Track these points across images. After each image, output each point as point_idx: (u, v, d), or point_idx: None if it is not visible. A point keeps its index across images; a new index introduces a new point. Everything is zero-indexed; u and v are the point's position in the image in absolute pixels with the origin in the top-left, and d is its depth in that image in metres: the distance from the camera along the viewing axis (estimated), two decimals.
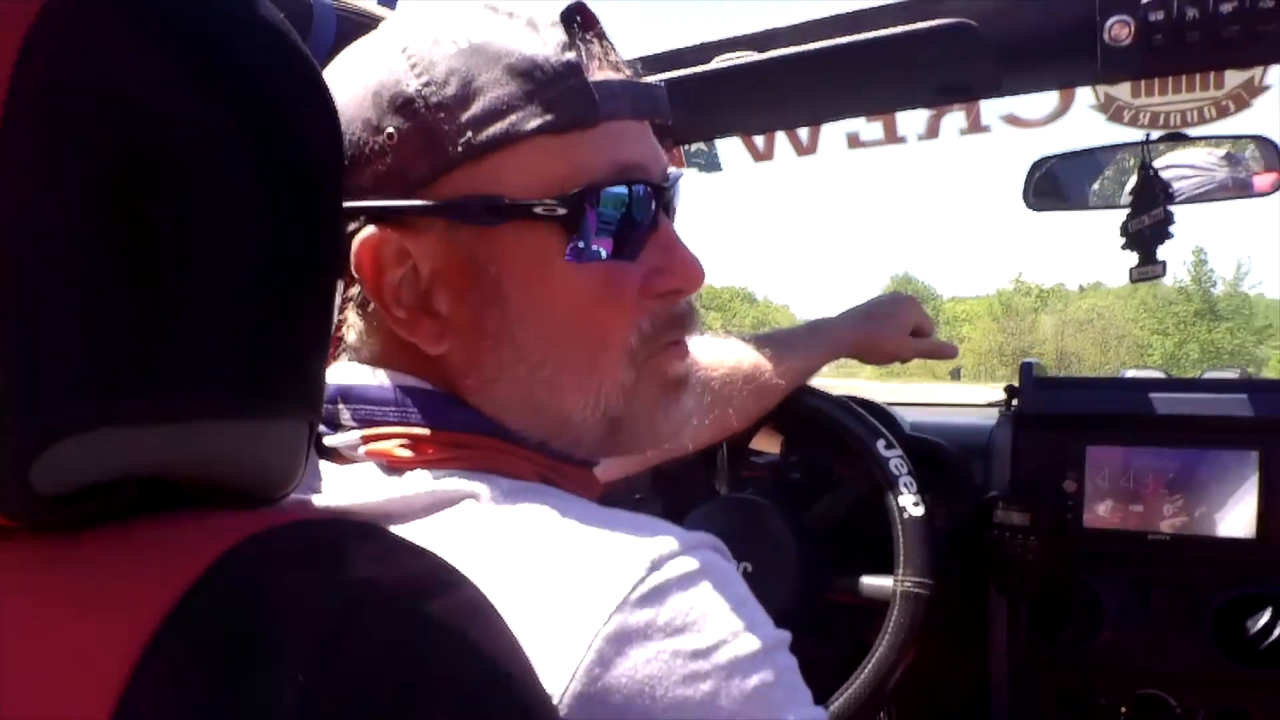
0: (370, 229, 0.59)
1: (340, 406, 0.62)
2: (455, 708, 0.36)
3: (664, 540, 0.52)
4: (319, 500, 0.58)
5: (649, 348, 0.63)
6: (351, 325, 0.64)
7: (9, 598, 0.36)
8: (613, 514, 0.56)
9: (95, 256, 0.36)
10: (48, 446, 0.36)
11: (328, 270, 0.46)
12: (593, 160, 0.59)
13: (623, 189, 0.60)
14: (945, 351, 1.40)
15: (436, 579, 0.40)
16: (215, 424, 0.40)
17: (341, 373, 0.63)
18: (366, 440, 0.60)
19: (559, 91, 0.58)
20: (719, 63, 1.22)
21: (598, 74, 0.60)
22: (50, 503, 0.37)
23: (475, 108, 0.57)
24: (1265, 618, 1.20)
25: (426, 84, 0.58)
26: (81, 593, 0.36)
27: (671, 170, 0.65)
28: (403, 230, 0.59)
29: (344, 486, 0.59)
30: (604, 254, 0.60)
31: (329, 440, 0.61)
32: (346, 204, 0.58)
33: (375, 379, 0.62)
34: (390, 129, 0.58)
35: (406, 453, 0.59)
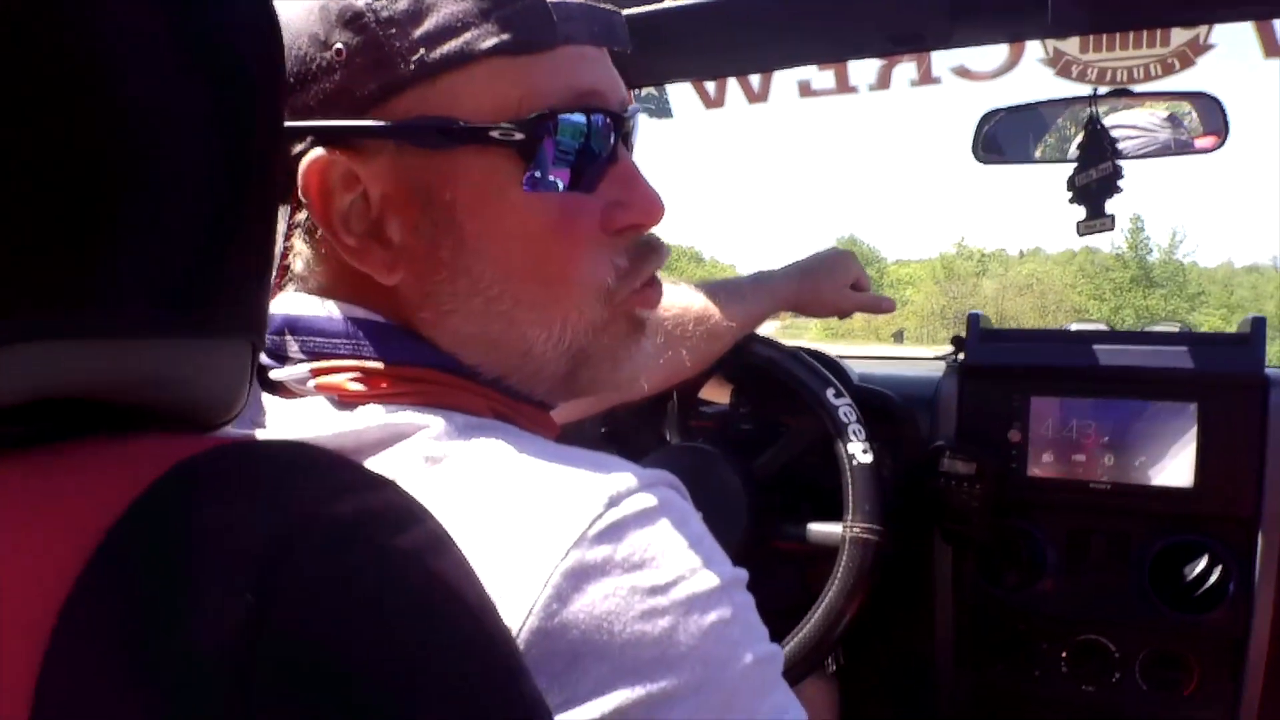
0: (318, 151, 0.56)
1: (288, 338, 0.59)
2: (406, 640, 0.34)
3: (622, 477, 0.52)
4: (264, 434, 0.56)
5: (626, 285, 0.62)
6: (299, 253, 0.61)
7: None
8: (570, 451, 0.55)
9: (22, 163, 0.34)
10: None
11: (267, 186, 0.44)
12: (550, 85, 0.57)
13: (580, 117, 0.58)
14: (883, 305, 1.40)
15: (395, 510, 0.38)
16: (151, 342, 0.38)
17: (289, 303, 0.61)
18: (316, 374, 0.58)
19: (516, 10, 0.56)
20: (671, 2, 1.19)
21: None
22: None
23: (428, 24, 0.55)
24: (1200, 565, 1.23)
25: None
26: (9, 519, 0.34)
27: (632, 105, 0.63)
28: (352, 153, 0.57)
29: (291, 421, 0.57)
30: (561, 185, 0.58)
31: (275, 374, 0.59)
32: (291, 123, 0.56)
33: (324, 310, 0.60)
34: (338, 44, 0.55)
35: (358, 386, 0.57)
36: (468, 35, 0.55)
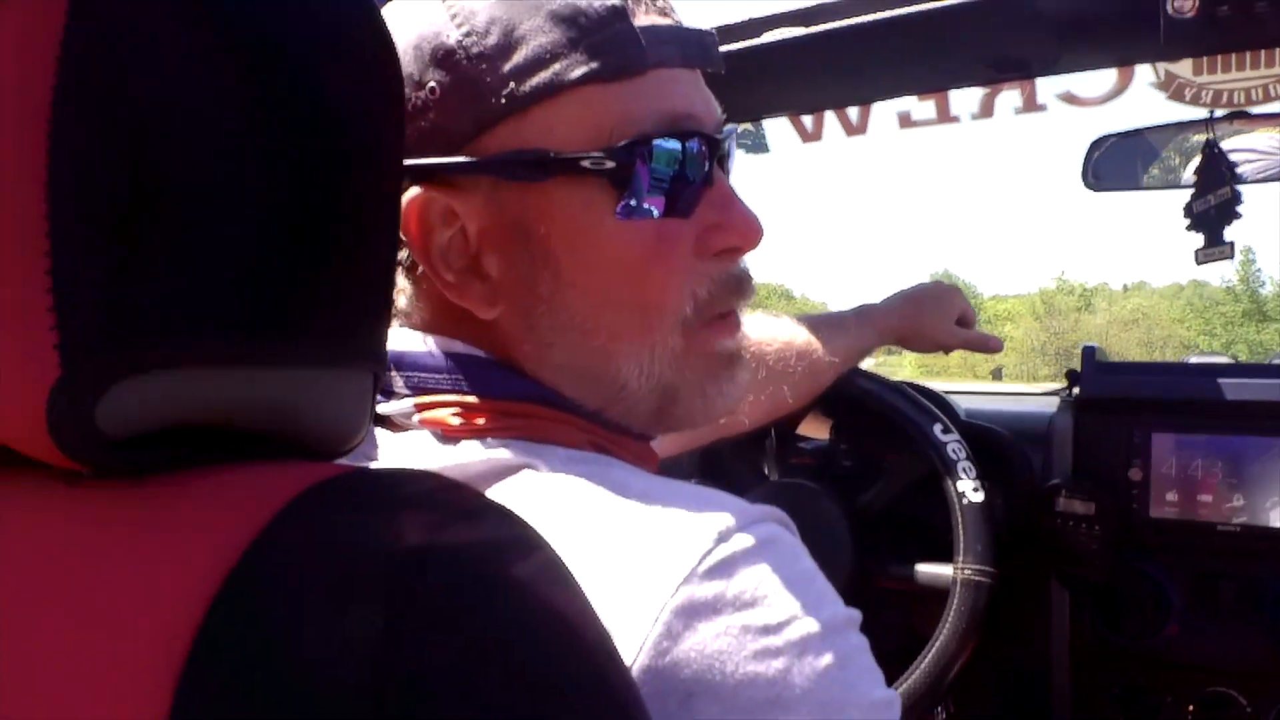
0: (415, 189, 0.57)
1: (393, 374, 0.60)
2: (531, 670, 0.34)
3: (730, 513, 0.50)
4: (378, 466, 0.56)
5: (702, 315, 0.60)
6: (401, 290, 0.62)
7: (74, 546, 0.35)
8: (677, 485, 0.54)
9: (143, 207, 0.35)
10: (111, 385, 0.35)
11: (390, 222, 0.45)
12: (642, 111, 0.56)
13: (674, 143, 0.57)
14: (990, 345, 1.36)
15: (517, 538, 0.38)
16: (281, 371, 0.39)
17: (393, 339, 0.61)
18: (420, 408, 0.58)
19: (604, 37, 0.55)
20: (767, 38, 1.19)
21: (644, 19, 0.57)
22: (117, 446, 0.36)
23: (518, 57, 0.55)
24: None
25: (467, 34, 0.55)
26: (148, 542, 0.35)
27: (727, 124, 0.62)
28: (449, 190, 0.57)
29: (397, 454, 0.58)
30: (656, 212, 0.57)
31: (382, 408, 0.59)
32: None
33: (426, 345, 0.60)
34: (432, 83, 0.56)
35: (459, 421, 0.57)
36: (557, 66, 0.55)
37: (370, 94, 0.42)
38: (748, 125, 1.50)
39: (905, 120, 1.42)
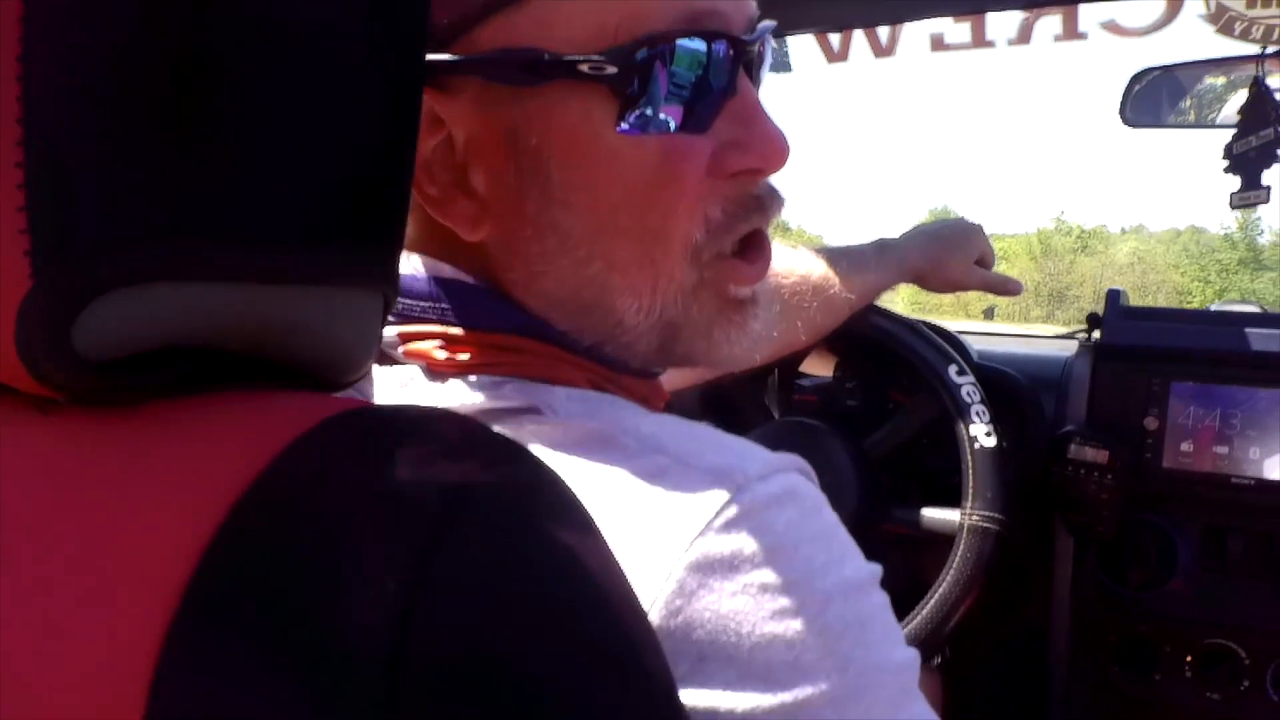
0: None
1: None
2: (559, 625, 0.31)
3: (749, 460, 0.47)
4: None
5: (717, 243, 0.54)
6: None
7: (52, 477, 0.31)
8: (688, 427, 0.50)
9: (151, 79, 0.30)
10: (93, 299, 0.30)
11: (406, 127, 0.40)
12: (656, 5, 0.49)
13: (696, 43, 0.49)
14: (1010, 287, 1.31)
15: (544, 483, 0.35)
16: (284, 289, 0.35)
17: None
18: (404, 339, 0.53)
19: None
20: None
21: None
22: (96, 370, 0.31)
23: None
24: None
25: None
26: (136, 476, 0.31)
27: (762, 23, 0.54)
28: (435, 92, 0.51)
29: (389, 391, 0.53)
30: (672, 124, 0.50)
31: None
32: None
33: (410, 267, 0.54)
34: None
35: (444, 355, 0.52)
36: None
37: None
38: (772, 41, 1.44)
39: (938, 43, 1.35)
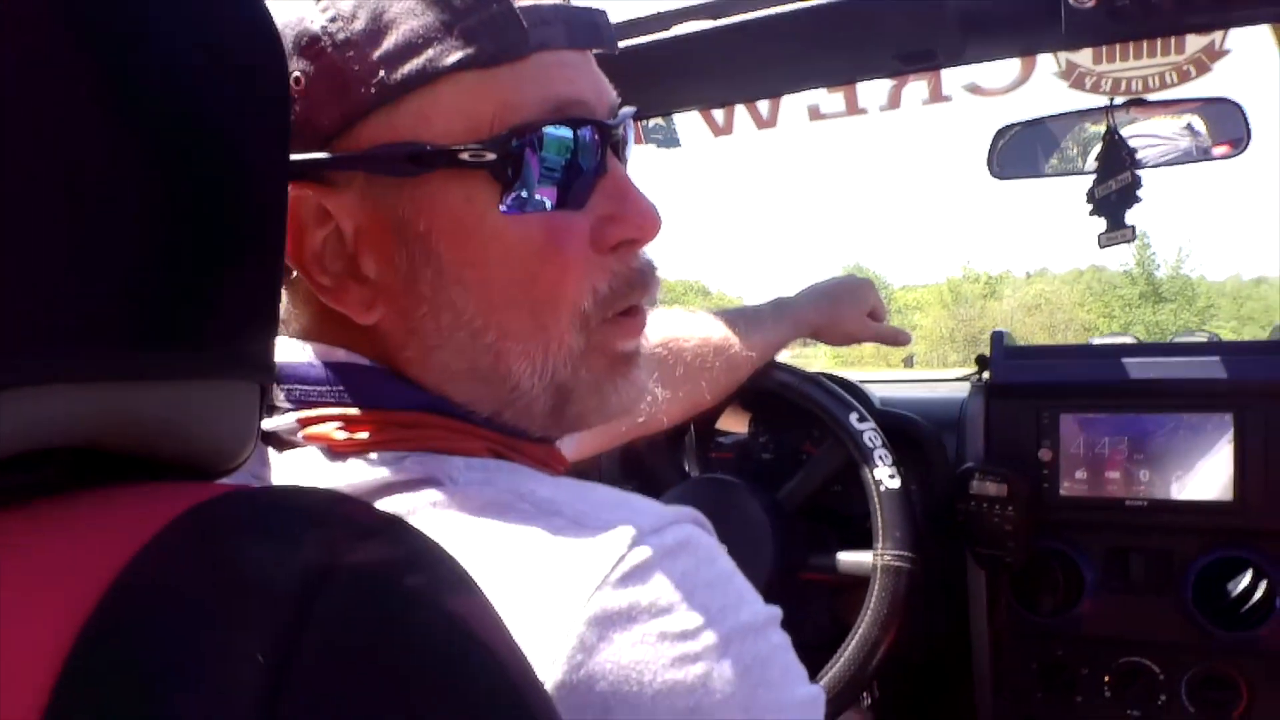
0: None
1: (275, 387, 0.56)
2: (439, 694, 0.32)
3: (643, 515, 0.49)
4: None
5: (602, 312, 0.57)
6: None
7: None
8: (585, 488, 0.52)
9: (41, 191, 0.32)
10: None
11: (276, 225, 0.42)
12: (525, 97, 0.52)
13: (563, 130, 0.53)
14: (900, 338, 1.39)
15: (418, 553, 0.36)
16: (156, 385, 0.36)
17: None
18: (303, 423, 0.55)
19: (481, 19, 0.51)
20: (675, 31, 1.18)
21: None
22: None
23: (387, 43, 0.51)
24: (1245, 580, 1.19)
25: (332, 19, 0.51)
26: (14, 571, 0.31)
27: (623, 108, 0.59)
28: (321, 187, 0.53)
29: (288, 473, 0.55)
30: (547, 204, 0.54)
31: (265, 424, 0.56)
32: None
33: (306, 355, 0.56)
34: (296, 73, 0.52)
35: (344, 435, 0.53)
36: (430, 52, 0.51)
37: (250, 91, 0.39)
38: (659, 120, 1.50)
39: (815, 113, 1.42)
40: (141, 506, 0.34)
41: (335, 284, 0.55)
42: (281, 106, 0.41)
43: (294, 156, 0.52)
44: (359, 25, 0.51)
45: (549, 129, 0.53)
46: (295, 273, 0.55)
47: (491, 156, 0.52)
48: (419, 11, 0.51)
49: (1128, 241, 1.34)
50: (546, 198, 0.54)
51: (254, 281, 0.40)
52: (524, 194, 0.53)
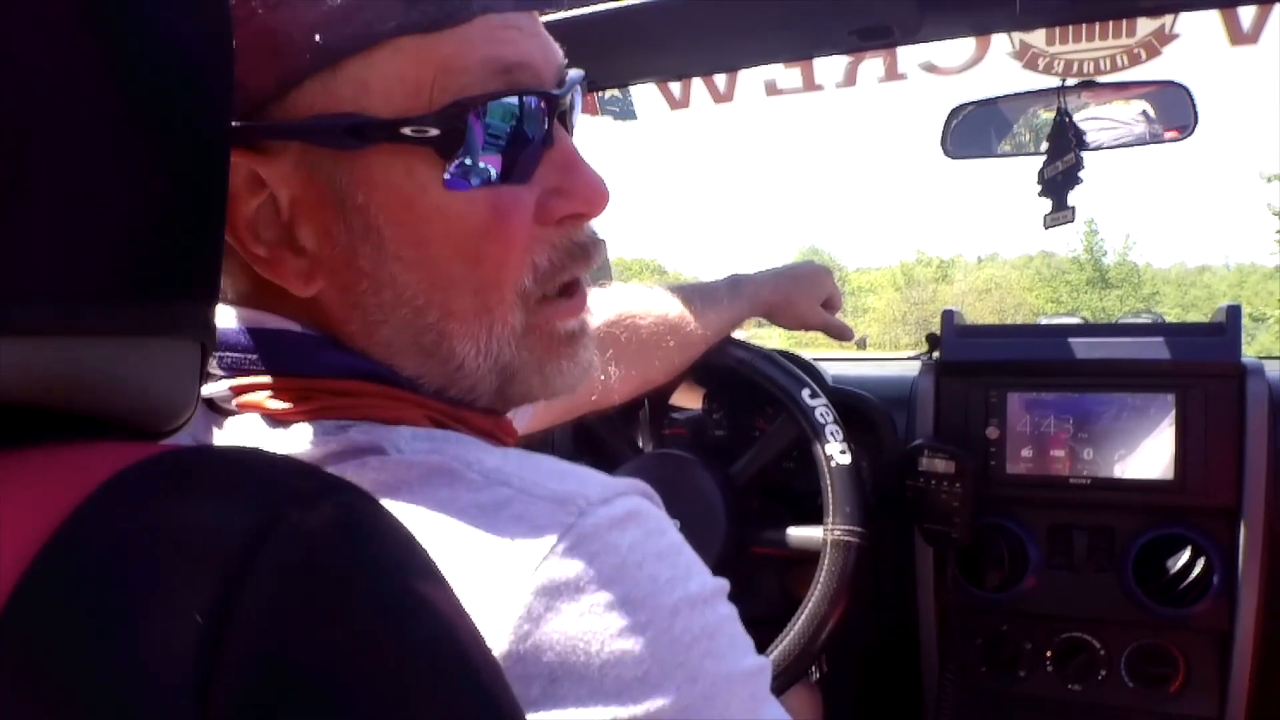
0: None
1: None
2: (382, 659, 0.31)
3: (591, 486, 0.48)
4: None
5: (541, 287, 0.56)
6: None
7: None
8: (533, 459, 0.51)
9: None
10: None
11: (219, 180, 0.41)
12: (467, 62, 0.50)
13: (511, 99, 0.51)
14: (845, 334, 1.39)
15: (364, 515, 0.35)
16: (96, 341, 0.35)
17: None
18: (236, 390, 0.53)
19: None
20: (632, 1, 1.17)
21: None
22: None
23: (324, 5, 0.48)
24: (1184, 558, 1.22)
25: None
26: None
27: (570, 72, 0.57)
28: (254, 155, 0.51)
29: (228, 439, 0.54)
30: (492, 175, 0.52)
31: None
32: None
33: (240, 320, 0.55)
34: None
35: (279, 404, 0.52)
36: (368, 14, 0.49)
37: (192, 50, 0.38)
38: (615, 91, 1.49)
39: (772, 88, 1.42)
40: (80, 464, 0.33)
41: (271, 254, 0.53)
42: (224, 64, 0.40)
43: None
44: None
45: (498, 99, 0.51)
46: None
47: (435, 131, 0.50)
48: None
49: (1068, 222, 1.36)
50: (490, 168, 0.52)
51: (194, 239, 0.39)
52: (468, 168, 0.51)
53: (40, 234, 0.33)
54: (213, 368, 0.54)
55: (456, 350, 0.54)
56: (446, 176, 0.51)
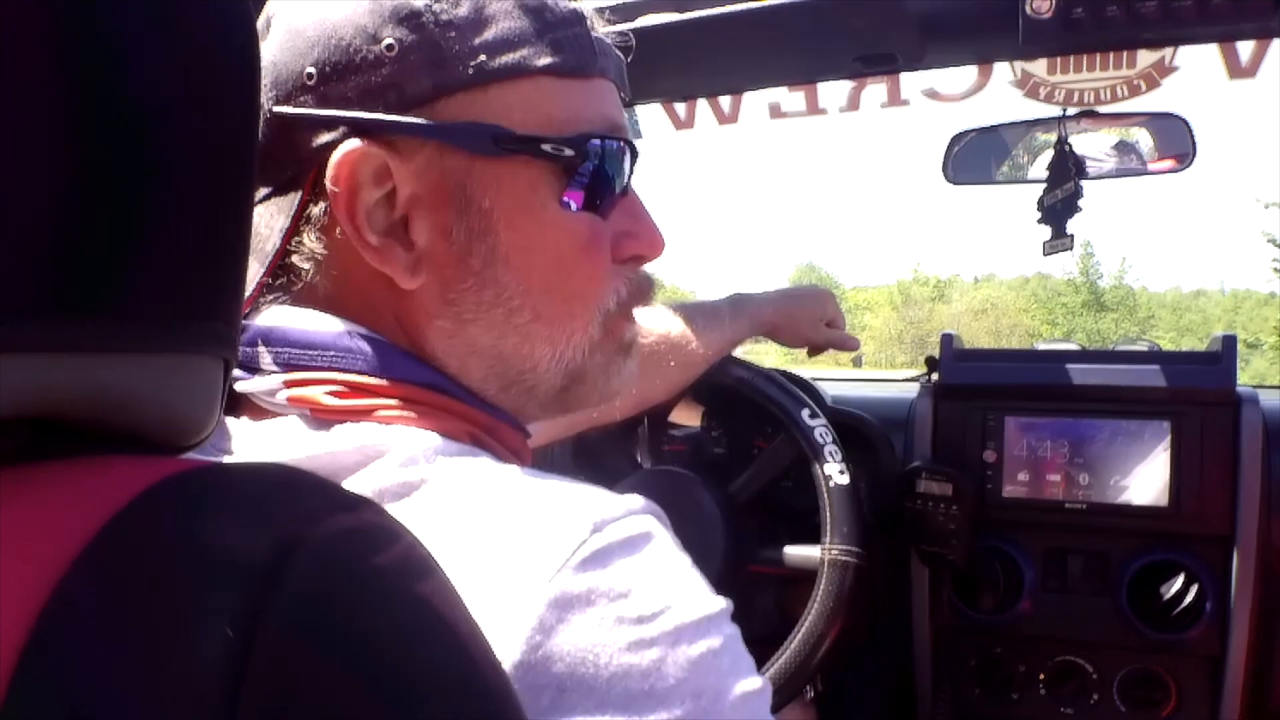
0: (354, 142, 0.55)
1: (260, 349, 0.57)
2: (397, 668, 0.32)
3: (604, 504, 0.50)
4: (233, 458, 0.53)
5: (621, 311, 0.63)
6: (309, 251, 0.58)
7: None
8: (549, 478, 0.53)
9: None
10: None
11: (239, 193, 0.41)
12: (589, 111, 0.59)
13: (615, 145, 0.60)
14: (849, 344, 1.43)
15: (378, 529, 0.36)
16: (117, 357, 0.35)
17: (266, 315, 0.58)
18: (289, 385, 0.55)
19: (567, 35, 0.58)
20: (641, 22, 1.19)
21: (595, 30, 0.61)
22: None
23: (488, 34, 0.56)
24: (1177, 584, 1.23)
25: (436, 0, 0.56)
26: None
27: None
28: (388, 149, 0.56)
29: (262, 443, 0.55)
30: (597, 203, 0.60)
31: (243, 385, 0.56)
32: (329, 112, 0.55)
33: (302, 320, 0.57)
34: (390, 40, 0.55)
35: (333, 401, 0.54)
36: (524, 50, 0.56)
37: (216, 70, 0.39)
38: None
39: (775, 111, 1.44)
40: (104, 480, 0.33)
41: (382, 245, 0.56)
42: (250, 92, 0.41)
43: (381, 116, 0.55)
44: (462, 12, 0.56)
45: (609, 141, 0.59)
46: (339, 230, 0.57)
47: (569, 153, 0.57)
48: (516, 15, 0.57)
49: (1067, 250, 1.38)
50: (598, 199, 0.60)
51: (218, 256, 0.40)
52: (582, 192, 0.59)
53: (52, 249, 0.33)
54: (266, 364, 0.57)
55: (535, 351, 0.60)
56: (564, 196, 0.59)
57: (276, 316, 0.58)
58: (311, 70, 0.56)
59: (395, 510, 0.48)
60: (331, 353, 0.56)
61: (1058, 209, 1.37)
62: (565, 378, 0.62)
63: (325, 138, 0.56)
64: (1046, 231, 1.40)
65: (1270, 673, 1.26)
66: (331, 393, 0.55)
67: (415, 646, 0.33)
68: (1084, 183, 1.39)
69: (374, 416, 0.54)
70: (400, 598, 0.34)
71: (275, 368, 0.56)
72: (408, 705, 0.31)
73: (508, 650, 0.44)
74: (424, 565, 0.37)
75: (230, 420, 0.57)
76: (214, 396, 0.41)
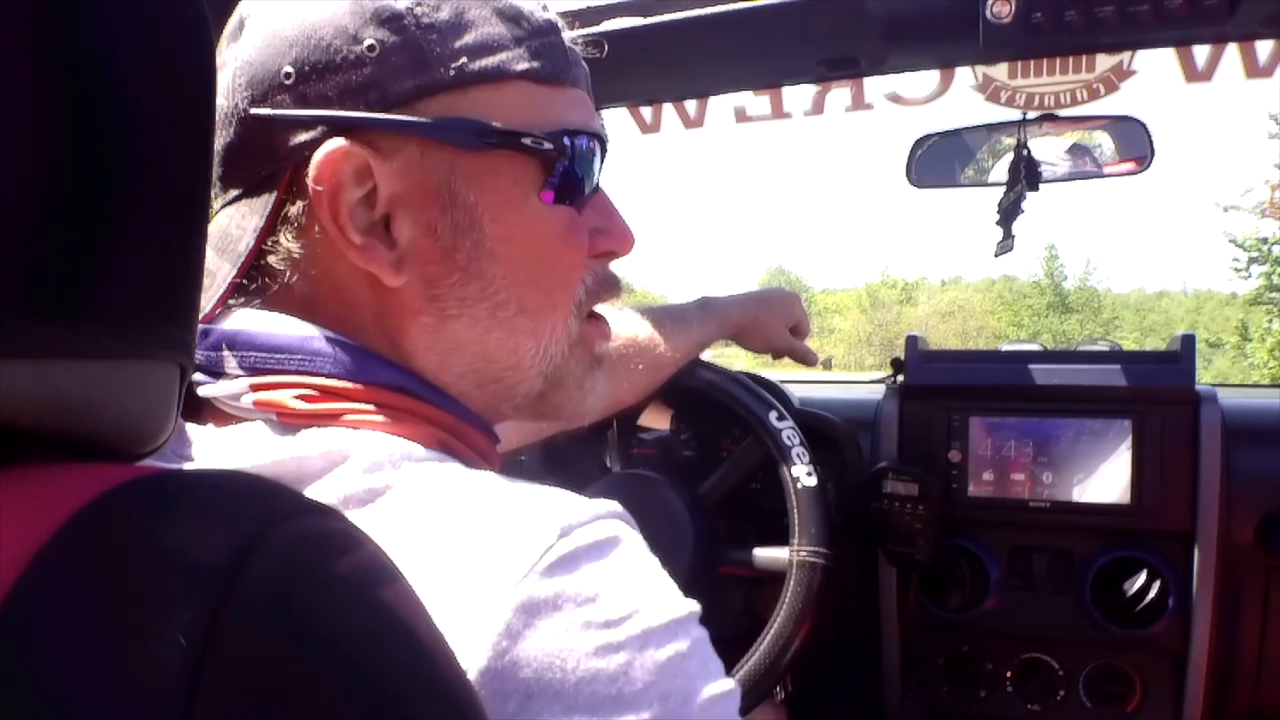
0: (338, 141, 0.55)
1: (225, 353, 0.56)
2: (357, 673, 0.32)
3: (571, 508, 0.50)
4: (193, 466, 0.53)
5: (589, 302, 0.65)
6: (285, 252, 0.58)
7: None
8: (516, 484, 0.53)
9: None
10: None
11: (195, 196, 0.40)
12: (565, 115, 0.60)
13: (590, 143, 0.62)
14: (809, 358, 1.44)
15: (336, 534, 0.36)
16: (74, 363, 0.35)
17: (232, 319, 0.58)
18: (256, 389, 0.55)
19: (543, 44, 0.59)
20: (605, 26, 1.19)
21: (568, 40, 0.63)
22: None
23: (468, 38, 0.57)
24: (1140, 580, 1.24)
25: (418, 3, 0.56)
26: None
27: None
28: (371, 149, 0.56)
29: (225, 449, 0.54)
30: (574, 196, 0.62)
31: (206, 390, 0.56)
32: (311, 111, 0.56)
33: (270, 324, 0.57)
34: (370, 40, 0.55)
35: (301, 405, 0.54)
36: (504, 55, 0.58)
37: (172, 68, 0.38)
38: None
39: (741, 115, 1.44)
40: (58, 487, 0.33)
41: (365, 244, 0.57)
42: (207, 96, 0.40)
43: (364, 114, 0.56)
44: (443, 16, 0.57)
45: (586, 139, 0.61)
46: (317, 229, 0.57)
47: (549, 146, 0.59)
48: (495, 21, 0.58)
49: (1009, 251, 1.40)
50: (578, 192, 0.62)
51: (173, 260, 0.39)
52: (560, 186, 0.60)
53: (24, 253, 0.32)
54: (231, 367, 0.56)
55: (520, 346, 0.61)
56: (546, 190, 0.60)
57: (243, 320, 0.57)
58: (290, 70, 0.56)
59: (361, 516, 0.48)
60: (299, 356, 0.56)
61: (1009, 211, 1.39)
62: (545, 381, 0.63)
63: (303, 137, 0.56)
64: (999, 233, 1.42)
65: (1232, 666, 1.28)
66: (299, 396, 0.54)
67: (374, 650, 0.33)
68: (1047, 185, 1.41)
69: (341, 421, 0.54)
70: (360, 601, 0.34)
71: (241, 371, 0.56)
72: (366, 708, 0.31)
73: (474, 656, 0.44)
74: (385, 570, 0.36)
75: (194, 427, 0.57)
76: (170, 402, 0.40)
